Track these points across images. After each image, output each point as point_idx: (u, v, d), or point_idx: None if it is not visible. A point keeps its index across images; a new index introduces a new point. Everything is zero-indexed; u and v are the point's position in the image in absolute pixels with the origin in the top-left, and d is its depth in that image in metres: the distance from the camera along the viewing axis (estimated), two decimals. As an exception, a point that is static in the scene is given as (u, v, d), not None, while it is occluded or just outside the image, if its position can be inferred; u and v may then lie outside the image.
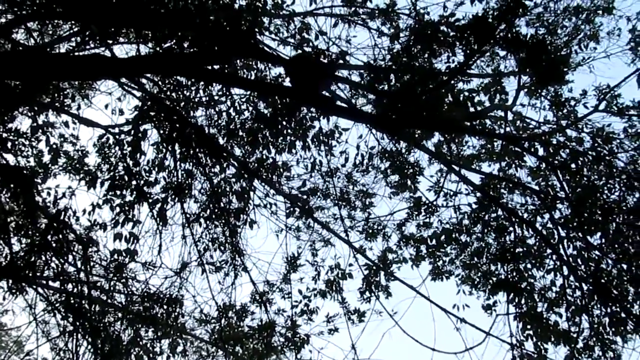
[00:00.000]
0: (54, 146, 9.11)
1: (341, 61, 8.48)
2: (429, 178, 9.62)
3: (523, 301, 8.63)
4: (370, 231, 9.69)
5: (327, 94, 7.81)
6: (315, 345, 9.48)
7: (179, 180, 8.55)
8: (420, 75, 7.45)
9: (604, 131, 8.38)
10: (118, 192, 8.26)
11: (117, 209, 8.28)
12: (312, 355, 9.40)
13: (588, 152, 8.45)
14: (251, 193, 9.17)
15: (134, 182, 8.31)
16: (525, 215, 8.84)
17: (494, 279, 9.14)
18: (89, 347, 7.75)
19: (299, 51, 8.90)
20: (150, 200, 8.49)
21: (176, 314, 8.70)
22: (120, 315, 8.27)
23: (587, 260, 8.26)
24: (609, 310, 8.11)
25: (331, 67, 7.86)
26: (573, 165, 8.36)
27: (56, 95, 8.63)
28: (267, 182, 9.32)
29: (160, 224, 8.60)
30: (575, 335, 8.33)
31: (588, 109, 8.87)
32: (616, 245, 8.14)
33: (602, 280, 8.15)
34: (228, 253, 9.27)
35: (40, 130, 8.74)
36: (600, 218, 8.13)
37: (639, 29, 8.87)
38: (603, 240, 8.23)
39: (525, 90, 8.83)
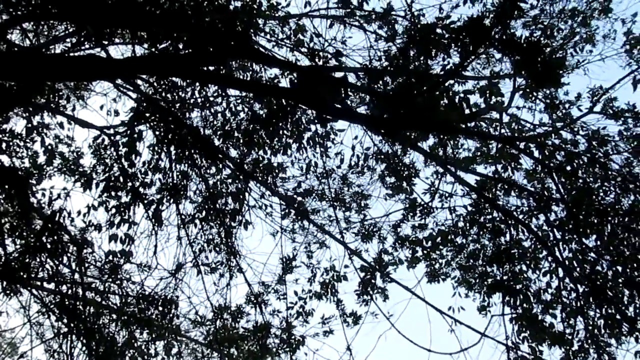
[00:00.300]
0: (49, 147, 9.10)
1: (336, 62, 8.48)
2: (425, 180, 9.62)
3: (518, 303, 8.65)
4: (366, 233, 9.68)
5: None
6: (311, 347, 9.49)
7: (175, 182, 8.53)
8: (416, 77, 7.45)
9: (599, 134, 8.39)
10: (113, 194, 8.24)
11: (113, 210, 8.27)
12: (307, 357, 9.39)
13: (583, 154, 8.46)
14: (246, 194, 9.16)
15: (129, 184, 8.29)
16: (521, 217, 8.84)
17: (490, 280, 9.13)
18: (84, 348, 7.72)
19: (312, 63, 8.89)
20: (145, 202, 8.47)
21: (171, 315, 8.67)
22: (115, 316, 8.23)
23: (583, 262, 8.26)
24: (604, 312, 8.11)
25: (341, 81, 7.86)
26: (568, 168, 8.37)
27: (51, 96, 8.61)
28: (262, 184, 9.31)
29: (156, 225, 8.58)
30: (570, 337, 8.34)
31: (582, 112, 8.90)
32: (611, 248, 8.14)
33: (598, 282, 8.15)
34: (223, 254, 9.26)
35: (35, 131, 8.73)
36: (595, 220, 8.14)
37: (634, 32, 8.89)
38: (598, 243, 8.23)
39: (521, 92, 8.83)
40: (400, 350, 9.42)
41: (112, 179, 8.29)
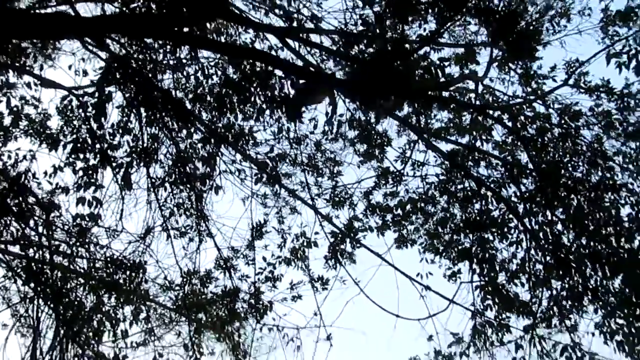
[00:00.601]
0: (15, 108, 8.82)
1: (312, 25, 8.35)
2: (397, 149, 9.60)
3: (485, 272, 8.79)
4: (337, 199, 9.66)
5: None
6: (279, 312, 9.51)
7: (145, 145, 8.36)
8: (392, 44, 7.38)
9: (571, 109, 8.44)
10: (81, 156, 8.03)
11: (80, 173, 8.07)
12: (275, 322, 9.42)
13: (555, 127, 8.51)
14: (218, 158, 9.03)
15: (97, 146, 8.09)
16: (492, 186, 8.89)
17: (458, 248, 9.23)
18: (51, 313, 7.64)
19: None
20: (114, 164, 8.29)
21: (139, 279, 8.58)
22: (82, 281, 8.12)
23: (549, 234, 8.38)
24: (567, 283, 8.28)
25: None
26: (540, 140, 8.43)
27: (17, 55, 8.30)
28: (234, 147, 9.18)
29: (124, 188, 8.43)
30: (535, 307, 8.52)
31: (557, 83, 8.92)
32: (577, 221, 8.24)
33: (563, 254, 8.28)
34: (193, 218, 9.18)
35: (0, 92, 8.43)
36: (563, 194, 8.24)
37: (611, 10, 8.85)
38: (565, 216, 8.35)
39: (496, 63, 8.80)
40: (369, 316, 9.52)
41: (80, 140, 8.06)
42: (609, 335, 8.08)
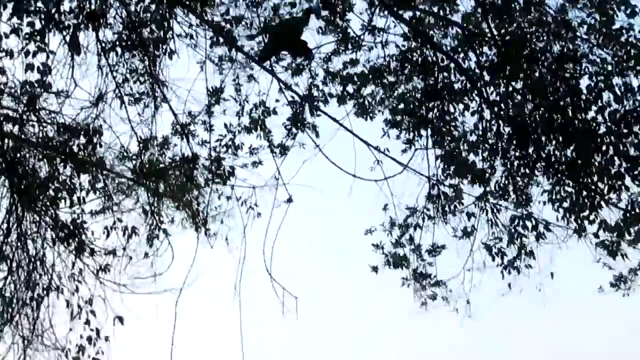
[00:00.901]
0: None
1: None
2: (359, 15, 9.19)
3: (444, 141, 8.88)
4: (296, 67, 9.38)
5: None
6: (239, 177, 9.49)
7: (92, 7, 7.86)
8: None
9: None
10: (25, 19, 7.51)
11: (27, 37, 7.60)
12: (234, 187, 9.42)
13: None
14: (172, 21, 8.59)
15: (42, 6, 7.56)
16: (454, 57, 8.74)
17: (417, 116, 9.19)
18: (4, 182, 7.53)
19: None
20: (61, 26, 7.81)
21: (94, 144, 8.35)
22: (36, 150, 7.91)
23: (510, 105, 8.40)
24: (523, 152, 8.42)
25: None
26: (504, 10, 8.21)
27: None
28: (189, 10, 8.71)
29: (73, 51, 8.01)
30: (488, 176, 8.71)
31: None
32: (537, 92, 8.24)
33: (521, 124, 8.33)
34: (147, 84, 8.86)
35: None
36: (525, 65, 8.17)
37: None
38: (525, 87, 8.34)
39: None
40: (327, 180, 9.56)
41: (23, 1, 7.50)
42: (558, 202, 8.38)
